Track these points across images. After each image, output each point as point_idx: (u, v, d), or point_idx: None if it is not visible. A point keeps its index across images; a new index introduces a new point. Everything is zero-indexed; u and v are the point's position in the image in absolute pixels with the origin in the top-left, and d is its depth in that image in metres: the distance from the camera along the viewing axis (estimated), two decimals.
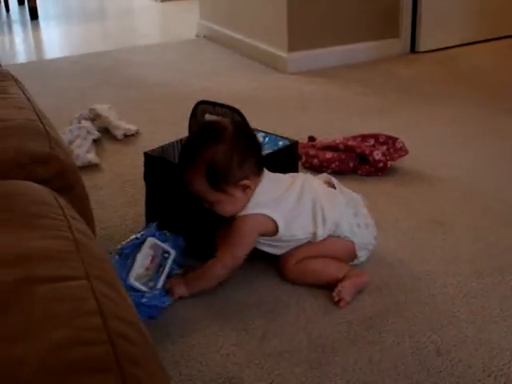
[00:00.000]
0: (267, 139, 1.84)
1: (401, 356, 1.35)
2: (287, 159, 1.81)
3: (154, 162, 1.74)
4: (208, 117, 1.80)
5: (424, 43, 3.62)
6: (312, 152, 2.17)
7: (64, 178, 1.23)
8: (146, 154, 1.75)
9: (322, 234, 1.57)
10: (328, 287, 1.55)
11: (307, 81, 3.16)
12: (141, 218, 1.85)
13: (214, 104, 1.76)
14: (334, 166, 2.12)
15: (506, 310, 1.48)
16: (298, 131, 2.40)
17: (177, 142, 1.84)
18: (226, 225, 1.59)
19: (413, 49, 3.63)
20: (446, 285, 1.57)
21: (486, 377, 1.30)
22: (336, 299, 1.50)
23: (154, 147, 1.81)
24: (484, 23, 3.80)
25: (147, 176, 1.77)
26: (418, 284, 1.58)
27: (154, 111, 2.78)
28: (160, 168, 1.72)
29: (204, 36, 3.99)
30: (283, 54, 3.27)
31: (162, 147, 1.81)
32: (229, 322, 1.46)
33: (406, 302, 1.51)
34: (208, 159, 1.50)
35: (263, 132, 1.87)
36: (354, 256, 1.62)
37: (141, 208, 1.86)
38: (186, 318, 1.47)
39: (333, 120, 2.64)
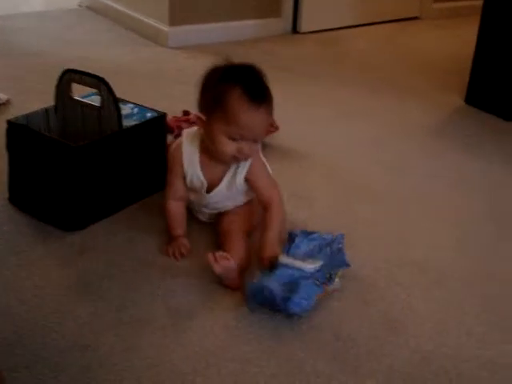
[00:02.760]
0: (136, 110, 1.84)
1: (256, 321, 1.40)
2: (155, 131, 1.81)
3: (18, 131, 1.70)
4: (74, 86, 1.77)
5: (306, 24, 3.69)
6: (185, 126, 2.18)
7: None
8: (8, 121, 1.71)
9: None
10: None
11: (187, 55, 3.15)
12: (3, 187, 1.80)
13: (81, 73, 1.74)
14: None
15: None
16: (173, 105, 2.40)
17: (42, 110, 1.81)
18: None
19: (295, 29, 3.70)
20: None
21: (334, 341, 1.37)
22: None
23: None
24: (366, 7, 3.91)
25: (10, 145, 1.72)
26: None
27: (26, 80, 2.69)
28: (23, 137, 1.68)
29: (86, 6, 3.89)
30: (164, 28, 3.25)
31: (27, 115, 1.78)
32: (86, 292, 1.46)
33: None
34: (271, 95, 1.54)
35: (132, 103, 1.87)
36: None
37: (4, 177, 1.81)
38: (41, 287, 1.46)
39: None
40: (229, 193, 1.64)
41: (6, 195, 1.79)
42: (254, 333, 1.37)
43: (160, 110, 1.88)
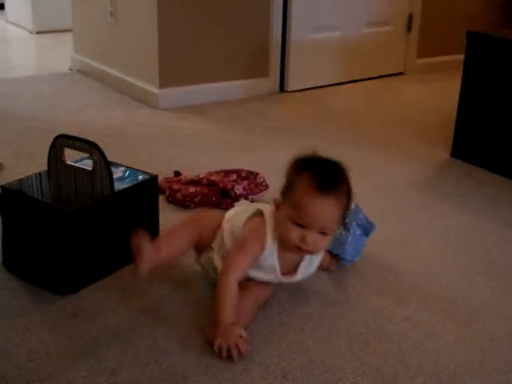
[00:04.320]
0: (127, 173, 1.88)
1: (249, 381, 1.40)
2: (146, 193, 1.84)
3: (11, 196, 1.73)
4: (67, 151, 1.81)
5: (292, 83, 3.78)
6: (176, 186, 2.22)
7: None
8: (1, 187, 1.74)
9: None
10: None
11: (178, 117, 3.22)
12: None
13: (74, 138, 1.78)
14: (196, 200, 2.18)
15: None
16: (165, 166, 2.46)
17: (35, 175, 1.84)
18: None
19: (282, 88, 3.78)
20: None
21: None
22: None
23: None
24: (351, 65, 4.02)
25: (4, 210, 1.75)
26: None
27: (19, 144, 2.74)
28: (17, 201, 1.71)
29: (77, 70, 3.98)
30: (154, 90, 3.32)
31: (20, 180, 1.81)
32: (81, 355, 1.46)
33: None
34: (348, 192, 1.51)
35: (123, 166, 1.90)
36: None
37: None
38: (35, 351, 1.46)
39: (200, 155, 2.70)
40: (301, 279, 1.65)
41: (0, 259, 1.81)
42: None
43: (151, 171, 1.92)
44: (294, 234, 1.47)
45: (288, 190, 1.51)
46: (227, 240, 1.61)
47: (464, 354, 1.53)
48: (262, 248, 1.53)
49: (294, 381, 1.41)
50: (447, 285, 1.83)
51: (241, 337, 1.45)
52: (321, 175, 1.47)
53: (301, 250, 1.51)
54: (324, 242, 1.51)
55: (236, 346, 1.43)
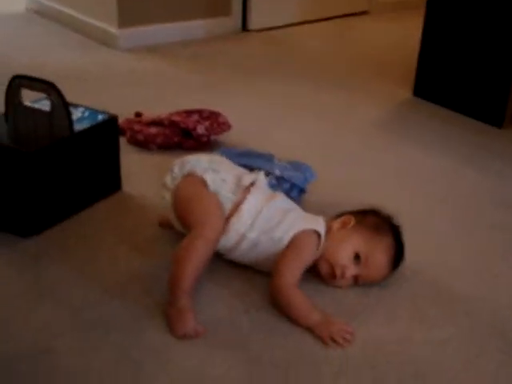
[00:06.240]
0: (87, 114, 1.85)
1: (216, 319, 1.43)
2: (107, 134, 1.82)
3: None
4: (25, 92, 1.77)
5: (255, 22, 3.73)
6: (137, 127, 2.20)
7: None
8: None
9: None
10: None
11: (138, 57, 3.16)
12: None
13: (31, 79, 1.74)
14: (158, 140, 2.16)
15: None
16: (126, 107, 2.41)
17: None
18: None
19: (244, 27, 3.73)
20: None
21: None
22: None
23: None
24: (314, 4, 3.97)
25: None
26: None
27: None
28: None
29: (34, 10, 3.86)
30: (113, 30, 3.25)
31: None
32: (43, 297, 1.46)
33: None
34: None
35: (83, 107, 1.87)
36: None
37: None
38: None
39: (161, 96, 2.67)
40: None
41: None
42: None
43: (112, 112, 1.89)
44: (346, 258, 1.50)
45: (367, 227, 1.53)
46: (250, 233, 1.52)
47: (426, 286, 1.57)
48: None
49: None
50: (409, 220, 1.86)
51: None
52: (399, 250, 1.54)
53: (330, 277, 1.52)
54: (345, 283, 1.52)
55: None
